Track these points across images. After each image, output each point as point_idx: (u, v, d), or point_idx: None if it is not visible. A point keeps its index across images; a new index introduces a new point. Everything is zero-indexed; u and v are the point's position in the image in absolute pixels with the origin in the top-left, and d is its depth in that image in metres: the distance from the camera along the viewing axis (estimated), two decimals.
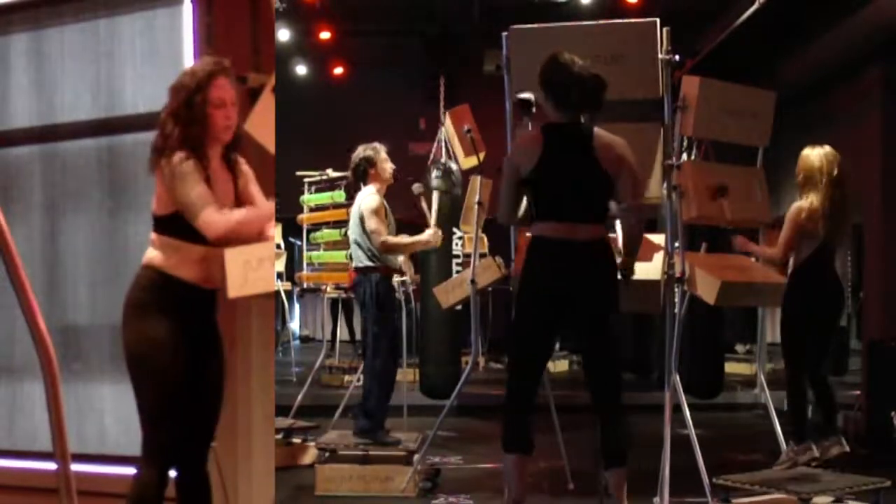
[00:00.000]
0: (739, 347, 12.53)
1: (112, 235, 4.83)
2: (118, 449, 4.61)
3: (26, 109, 5.04)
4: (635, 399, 8.21)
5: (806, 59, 8.89)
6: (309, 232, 8.76)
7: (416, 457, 5.53)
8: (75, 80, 4.92)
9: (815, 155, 4.87)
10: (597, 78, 3.79)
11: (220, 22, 4.48)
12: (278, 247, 10.32)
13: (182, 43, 4.61)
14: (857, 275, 10.86)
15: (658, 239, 4.97)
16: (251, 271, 3.03)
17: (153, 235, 3.30)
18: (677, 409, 4.66)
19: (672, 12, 6.20)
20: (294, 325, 14.12)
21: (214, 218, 3.13)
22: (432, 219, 5.89)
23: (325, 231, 8.40)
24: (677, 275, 4.67)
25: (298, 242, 10.00)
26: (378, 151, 5.78)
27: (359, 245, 5.71)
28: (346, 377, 9.44)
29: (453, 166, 8.41)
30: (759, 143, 5.21)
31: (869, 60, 8.24)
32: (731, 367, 10.69)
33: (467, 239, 8.46)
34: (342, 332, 12.26)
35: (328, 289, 8.99)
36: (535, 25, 4.96)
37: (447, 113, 6.79)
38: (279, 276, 10.26)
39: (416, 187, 5.88)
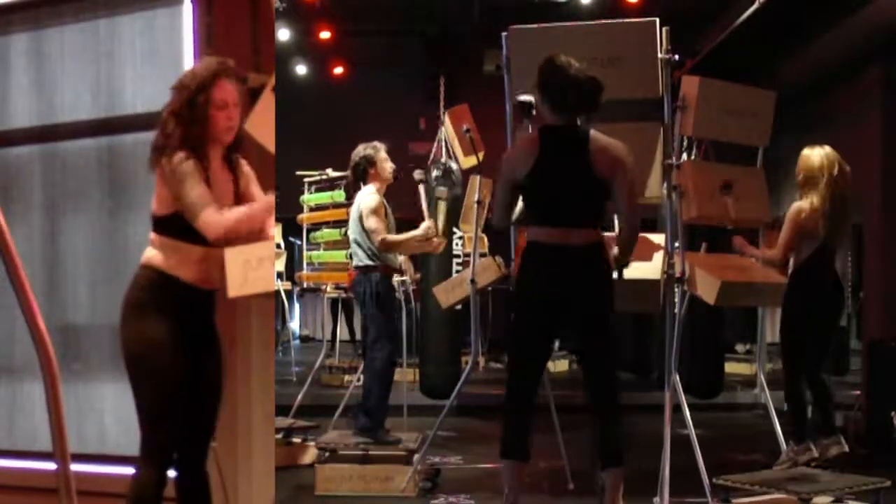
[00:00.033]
0: (740, 347, 12.52)
1: (112, 235, 4.83)
2: (118, 449, 4.61)
3: (26, 109, 5.04)
4: (635, 399, 8.21)
5: (806, 59, 8.89)
6: (309, 232, 8.76)
7: (416, 457, 5.53)
8: (75, 80, 4.92)
9: (815, 155, 4.87)
10: (593, 80, 3.78)
11: (220, 22, 4.48)
12: (278, 246, 10.32)
13: (182, 43, 4.61)
14: (857, 275, 10.86)
15: (658, 239, 4.97)
16: (251, 271, 3.03)
17: (152, 235, 3.30)
18: (677, 409, 4.66)
19: (672, 12, 6.20)
20: (294, 324, 14.11)
21: (214, 218, 3.12)
22: (439, 226, 5.89)
23: (325, 231, 8.40)
24: (677, 275, 4.67)
25: (298, 242, 10.00)
26: (378, 150, 5.78)
27: (359, 244, 5.70)
28: (346, 377, 9.44)
29: (453, 166, 8.41)
30: (759, 143, 5.21)
31: (869, 60, 8.24)
32: (731, 367, 10.69)
33: (467, 238, 8.46)
34: (342, 332, 12.25)
35: (328, 288, 8.99)
36: (535, 25, 4.96)
37: (446, 113, 6.79)
38: (279, 275, 10.25)
39: (418, 173, 5.87)
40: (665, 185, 4.81)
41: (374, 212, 5.61)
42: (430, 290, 7.33)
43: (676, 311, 4.75)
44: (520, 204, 3.92)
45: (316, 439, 6.26)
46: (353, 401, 6.27)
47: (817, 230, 4.79)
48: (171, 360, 3.21)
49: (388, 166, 5.79)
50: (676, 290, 4.73)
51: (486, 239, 7.34)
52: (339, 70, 11.91)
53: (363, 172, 5.78)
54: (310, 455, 6.29)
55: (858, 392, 7.71)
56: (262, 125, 3.53)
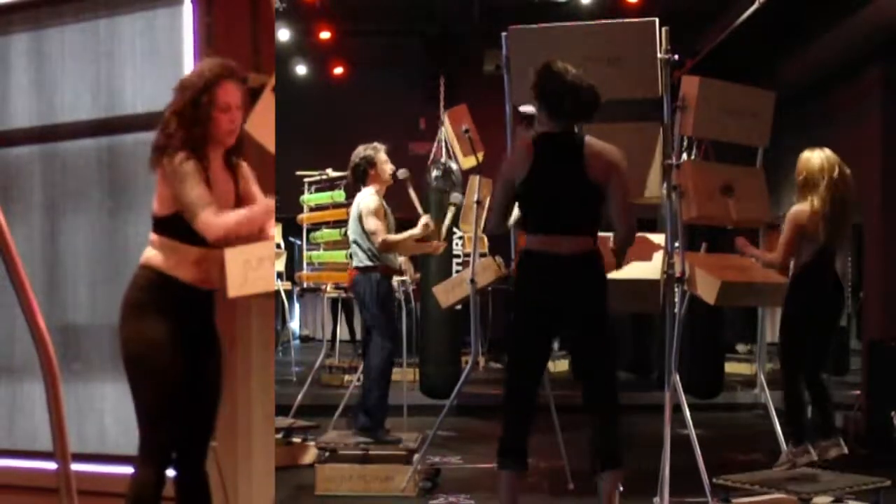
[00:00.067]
0: (740, 347, 12.53)
1: (112, 235, 4.83)
2: (118, 449, 4.61)
3: (26, 109, 5.04)
4: (635, 399, 8.23)
5: (806, 59, 8.89)
6: (309, 232, 8.76)
7: (416, 457, 5.53)
8: (75, 80, 4.92)
9: (815, 157, 4.86)
10: (590, 88, 3.75)
11: (220, 22, 4.48)
12: (278, 246, 10.32)
13: (182, 43, 4.61)
14: (857, 275, 10.86)
15: (658, 239, 4.97)
16: (251, 271, 3.03)
17: (152, 235, 3.30)
18: (677, 409, 4.66)
19: (672, 12, 6.20)
20: (294, 324, 14.12)
21: (213, 219, 3.12)
22: (443, 229, 5.89)
23: (325, 231, 8.40)
24: (677, 275, 4.67)
25: (298, 242, 10.00)
26: (378, 151, 5.78)
27: (358, 245, 5.71)
28: (346, 377, 9.45)
29: (453, 166, 8.41)
30: (759, 143, 5.21)
31: (869, 60, 8.24)
32: (731, 367, 10.69)
33: (467, 238, 8.46)
34: (342, 332, 12.26)
35: (328, 288, 8.99)
36: (535, 26, 4.96)
37: (446, 113, 6.79)
38: (279, 275, 10.26)
39: (402, 172, 5.85)
40: (665, 185, 4.81)
41: (374, 213, 5.61)
42: (430, 290, 7.33)
43: (676, 311, 4.75)
44: (516, 211, 3.91)
45: (316, 439, 6.26)
46: (353, 401, 6.28)
47: (817, 233, 4.78)
48: (170, 360, 3.21)
49: (387, 167, 5.79)
50: (676, 290, 4.73)
51: (486, 239, 7.34)
52: (339, 70, 11.90)
53: (363, 174, 5.78)
54: (310, 455, 6.29)
55: (858, 392, 7.71)
56: (262, 125, 3.53)
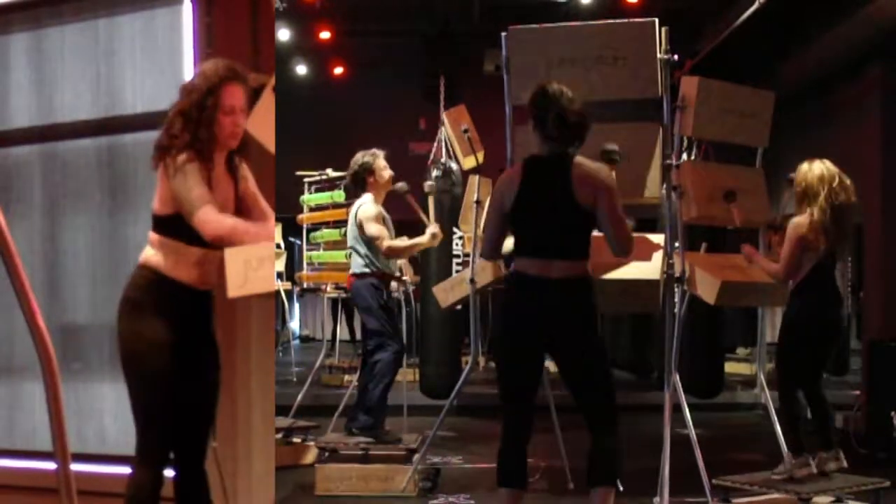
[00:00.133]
0: (741, 350, 12.51)
1: (112, 235, 4.83)
2: (118, 449, 4.61)
3: (26, 109, 5.04)
4: (635, 399, 8.24)
5: (806, 59, 8.90)
6: (309, 232, 8.76)
7: (416, 457, 5.53)
8: (75, 80, 4.92)
9: (815, 168, 4.83)
10: (580, 115, 3.70)
11: (220, 22, 4.48)
12: (278, 246, 10.33)
13: (182, 43, 4.61)
14: (857, 275, 10.86)
15: (658, 239, 4.97)
16: (251, 271, 3.03)
17: (152, 235, 3.30)
18: (677, 409, 4.66)
19: (672, 12, 6.21)
20: (294, 325, 14.13)
21: (212, 217, 3.11)
22: (430, 218, 5.88)
23: (325, 231, 8.40)
24: (677, 275, 4.67)
25: (298, 242, 10.01)
26: (376, 158, 5.77)
27: (356, 251, 5.72)
28: (346, 377, 9.44)
29: (453, 166, 8.41)
30: (759, 143, 5.21)
31: (869, 60, 8.24)
32: (731, 367, 10.70)
33: (467, 238, 8.46)
34: (342, 332, 12.26)
35: (328, 288, 8.99)
36: (535, 26, 4.96)
37: (445, 113, 6.79)
38: (279, 275, 10.26)
39: (400, 186, 5.83)
40: (665, 185, 4.81)
41: (374, 219, 5.62)
42: (429, 291, 7.34)
43: (676, 311, 4.75)
44: (510, 242, 3.89)
45: (316, 439, 6.26)
46: (354, 401, 6.27)
47: (818, 243, 4.77)
48: (167, 360, 3.21)
49: (386, 174, 5.78)
50: (676, 290, 4.72)
51: None
52: (339, 70, 11.90)
53: (362, 180, 5.78)
54: (310, 455, 6.29)
55: (858, 392, 7.71)
56: (262, 125, 3.53)
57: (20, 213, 4.99)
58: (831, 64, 8.85)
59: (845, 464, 4.81)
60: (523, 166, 3.79)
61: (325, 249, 8.52)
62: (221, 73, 3.24)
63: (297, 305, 14.40)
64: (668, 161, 4.72)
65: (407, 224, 6.18)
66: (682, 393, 4.69)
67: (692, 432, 4.60)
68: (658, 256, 4.85)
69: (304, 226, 8.77)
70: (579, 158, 3.72)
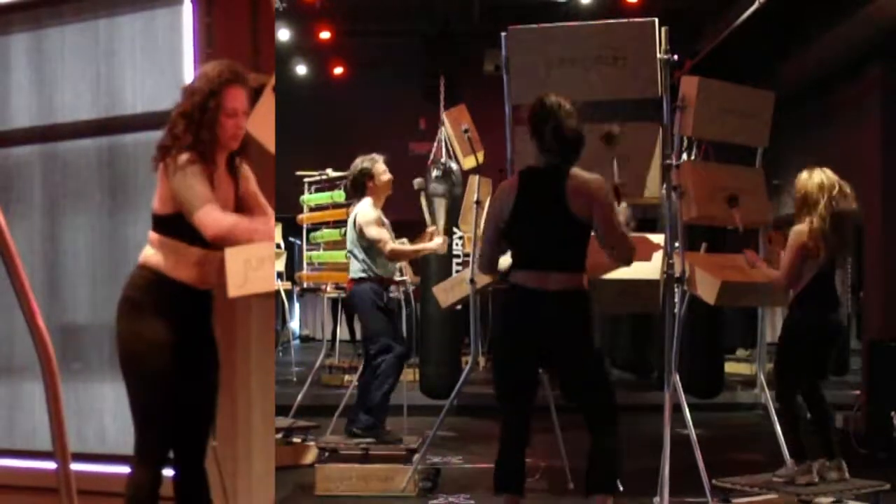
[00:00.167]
0: (740, 352, 12.51)
1: (112, 235, 4.83)
2: (118, 448, 4.61)
3: (26, 109, 5.04)
4: (635, 399, 8.24)
5: (806, 59, 8.90)
6: (309, 232, 8.76)
7: (416, 457, 5.53)
8: (75, 80, 4.92)
9: (815, 176, 4.82)
10: (575, 130, 3.68)
11: (220, 22, 4.48)
12: (278, 246, 10.33)
13: (182, 43, 4.61)
14: (857, 275, 10.86)
15: (658, 239, 4.97)
16: (251, 271, 3.03)
17: (152, 234, 3.30)
18: (677, 409, 4.66)
19: (672, 12, 6.21)
20: (294, 324, 14.13)
21: (213, 215, 3.11)
22: (439, 225, 5.88)
23: (325, 231, 8.40)
24: (677, 275, 4.67)
25: (298, 242, 10.00)
26: (375, 163, 5.77)
27: (354, 256, 5.72)
28: (346, 377, 9.45)
29: (453, 166, 8.41)
30: (759, 143, 5.21)
31: (869, 60, 8.25)
32: (731, 367, 10.70)
33: (467, 238, 8.47)
34: (342, 332, 12.26)
35: (328, 288, 8.99)
36: (535, 26, 4.96)
37: (445, 114, 6.80)
38: (279, 275, 10.26)
39: (418, 182, 5.85)
40: (665, 185, 4.81)
41: (374, 223, 5.62)
42: (429, 291, 7.34)
43: (676, 311, 4.75)
44: (507, 259, 3.88)
45: (316, 439, 6.26)
46: (354, 401, 6.27)
47: (818, 251, 4.76)
48: (167, 360, 3.21)
49: (385, 178, 5.78)
50: (676, 290, 4.72)
51: None
52: (339, 70, 11.91)
53: (362, 185, 5.78)
54: (310, 455, 6.29)
55: (858, 392, 7.71)
56: (262, 125, 3.53)
57: (20, 213, 4.99)
58: (831, 64, 8.85)
59: (847, 475, 4.79)
60: (519, 178, 3.79)
61: (325, 249, 8.52)
62: (224, 76, 3.24)
63: (297, 305, 14.41)
64: (668, 161, 4.72)
65: (407, 224, 6.18)
66: (682, 393, 4.69)
67: (692, 432, 4.60)
68: (658, 256, 4.85)
69: (304, 226, 8.77)
70: (575, 170, 3.70)
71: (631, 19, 5.12)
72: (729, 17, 8.49)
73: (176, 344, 3.23)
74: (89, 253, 4.90)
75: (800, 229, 4.78)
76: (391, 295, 6.01)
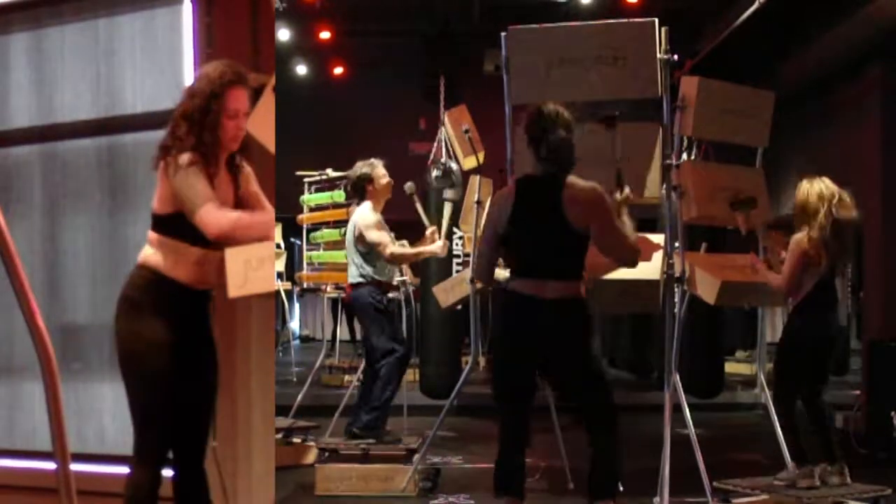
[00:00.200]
0: (740, 354, 12.50)
1: (112, 235, 4.83)
2: (118, 449, 4.60)
3: (26, 109, 5.04)
4: (635, 399, 8.24)
5: (806, 59, 8.90)
6: (309, 232, 8.76)
7: (416, 457, 5.53)
8: (75, 80, 4.92)
9: (815, 186, 4.81)
10: (567, 141, 3.69)
11: (220, 22, 4.48)
12: (278, 246, 10.33)
13: (182, 43, 4.61)
14: (857, 275, 10.86)
15: (658, 239, 4.97)
16: (251, 271, 3.03)
17: (151, 234, 3.29)
18: (677, 409, 4.66)
19: (672, 12, 6.21)
20: (294, 325, 14.13)
21: (215, 214, 3.11)
22: (442, 229, 5.88)
23: (325, 231, 8.40)
24: (677, 275, 4.67)
25: (298, 242, 10.00)
26: (374, 167, 5.77)
27: (352, 260, 5.72)
28: (346, 377, 9.45)
29: (453, 166, 8.41)
30: (759, 143, 5.21)
31: (869, 60, 8.24)
32: (731, 367, 10.70)
33: (467, 238, 8.46)
34: (342, 332, 12.27)
35: (328, 289, 8.99)
36: (535, 26, 4.96)
37: (446, 114, 6.80)
38: (279, 275, 10.26)
39: (408, 186, 5.84)
40: (665, 185, 4.81)
41: (374, 227, 5.61)
42: (429, 291, 7.34)
43: (676, 311, 4.75)
44: (504, 272, 3.88)
45: (316, 439, 6.25)
46: (354, 401, 6.27)
47: (819, 259, 4.76)
48: (166, 360, 3.21)
49: (385, 181, 5.78)
50: (676, 290, 4.72)
51: None
52: (339, 70, 11.90)
53: (362, 189, 5.78)
54: (310, 455, 6.29)
55: (858, 392, 7.71)
56: (262, 125, 3.53)
57: (20, 213, 4.98)
58: (831, 64, 8.84)
59: (849, 480, 4.78)
60: (516, 186, 3.79)
61: (325, 249, 8.51)
62: (225, 77, 3.24)
63: (297, 305, 14.41)
64: (668, 161, 4.72)
65: (406, 225, 6.17)
66: (682, 393, 4.69)
67: (692, 432, 4.60)
68: (658, 256, 4.85)
69: (304, 226, 8.77)
70: (571, 178, 3.70)
71: (631, 19, 5.12)
72: (729, 17, 8.49)
73: (175, 344, 3.23)
74: (89, 253, 4.90)
75: (800, 237, 4.78)
76: (391, 296, 6.01)
